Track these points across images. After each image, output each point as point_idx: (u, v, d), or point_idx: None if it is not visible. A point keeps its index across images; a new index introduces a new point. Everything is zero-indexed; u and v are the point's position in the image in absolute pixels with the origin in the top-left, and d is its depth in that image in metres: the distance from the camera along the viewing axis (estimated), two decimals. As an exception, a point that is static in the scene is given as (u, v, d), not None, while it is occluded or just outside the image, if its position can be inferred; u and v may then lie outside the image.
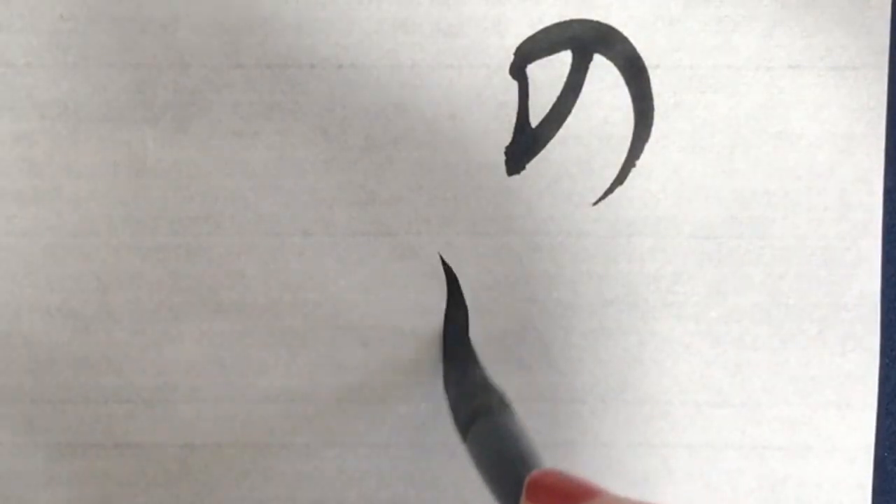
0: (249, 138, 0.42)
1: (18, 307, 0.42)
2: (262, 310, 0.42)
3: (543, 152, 0.42)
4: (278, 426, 0.43)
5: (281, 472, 0.43)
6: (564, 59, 0.42)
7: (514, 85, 0.42)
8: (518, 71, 0.42)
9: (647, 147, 0.42)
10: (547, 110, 0.42)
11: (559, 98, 0.42)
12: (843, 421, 0.43)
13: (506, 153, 0.42)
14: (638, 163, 0.42)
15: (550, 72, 0.42)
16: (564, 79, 0.42)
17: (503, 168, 0.42)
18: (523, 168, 0.42)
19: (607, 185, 0.42)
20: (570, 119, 0.42)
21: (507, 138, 0.42)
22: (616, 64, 0.42)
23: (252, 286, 0.42)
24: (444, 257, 0.42)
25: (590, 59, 0.42)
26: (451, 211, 0.42)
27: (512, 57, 0.42)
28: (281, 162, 0.42)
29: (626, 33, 0.41)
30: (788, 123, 0.42)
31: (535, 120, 0.42)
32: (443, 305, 0.42)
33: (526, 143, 0.42)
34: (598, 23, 0.41)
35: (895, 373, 0.43)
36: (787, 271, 0.43)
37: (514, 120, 0.42)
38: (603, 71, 0.42)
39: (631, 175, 0.42)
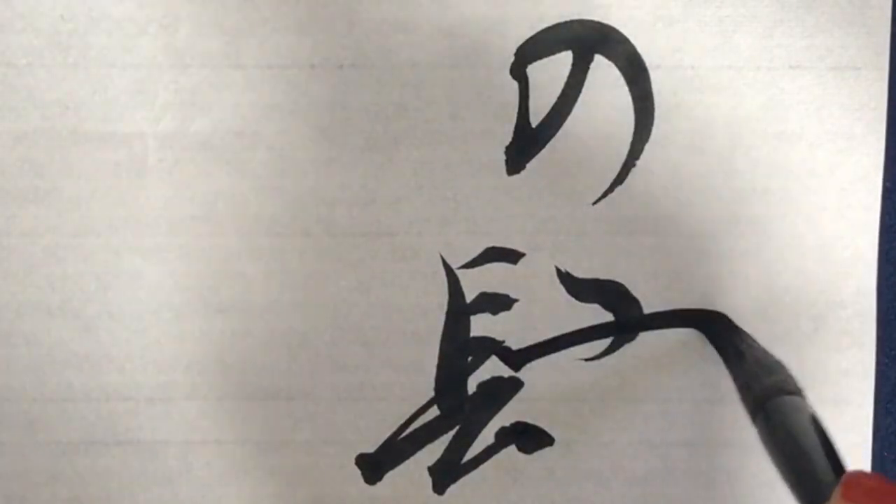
0: (249, 138, 0.42)
1: (19, 307, 0.42)
2: (262, 310, 0.42)
3: (543, 152, 0.42)
4: (278, 424, 0.43)
5: (281, 470, 0.43)
6: (565, 59, 0.42)
7: (515, 85, 0.42)
8: (518, 71, 0.42)
9: (648, 147, 0.42)
10: (547, 110, 0.42)
11: (559, 98, 0.42)
12: (841, 419, 0.43)
13: (506, 153, 0.42)
14: (638, 162, 0.42)
15: (551, 72, 0.42)
16: (565, 79, 0.42)
17: (503, 168, 0.42)
18: (523, 168, 0.42)
19: (607, 185, 0.42)
20: (570, 119, 0.42)
21: (507, 138, 0.42)
22: (616, 64, 0.42)
23: (252, 286, 0.42)
24: (444, 257, 0.42)
25: (590, 60, 0.42)
26: (451, 211, 0.42)
27: (512, 57, 0.41)
28: (281, 162, 0.42)
29: (626, 33, 0.41)
30: (788, 123, 0.42)
31: (535, 120, 0.42)
32: (443, 305, 0.43)
33: (526, 143, 0.42)
34: (598, 23, 0.41)
35: (893, 371, 0.44)
36: (784, 269, 0.43)
37: (514, 120, 0.42)
38: (603, 71, 0.42)
39: (631, 175, 0.42)
